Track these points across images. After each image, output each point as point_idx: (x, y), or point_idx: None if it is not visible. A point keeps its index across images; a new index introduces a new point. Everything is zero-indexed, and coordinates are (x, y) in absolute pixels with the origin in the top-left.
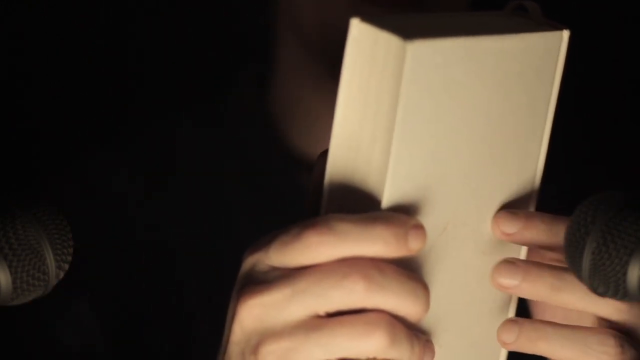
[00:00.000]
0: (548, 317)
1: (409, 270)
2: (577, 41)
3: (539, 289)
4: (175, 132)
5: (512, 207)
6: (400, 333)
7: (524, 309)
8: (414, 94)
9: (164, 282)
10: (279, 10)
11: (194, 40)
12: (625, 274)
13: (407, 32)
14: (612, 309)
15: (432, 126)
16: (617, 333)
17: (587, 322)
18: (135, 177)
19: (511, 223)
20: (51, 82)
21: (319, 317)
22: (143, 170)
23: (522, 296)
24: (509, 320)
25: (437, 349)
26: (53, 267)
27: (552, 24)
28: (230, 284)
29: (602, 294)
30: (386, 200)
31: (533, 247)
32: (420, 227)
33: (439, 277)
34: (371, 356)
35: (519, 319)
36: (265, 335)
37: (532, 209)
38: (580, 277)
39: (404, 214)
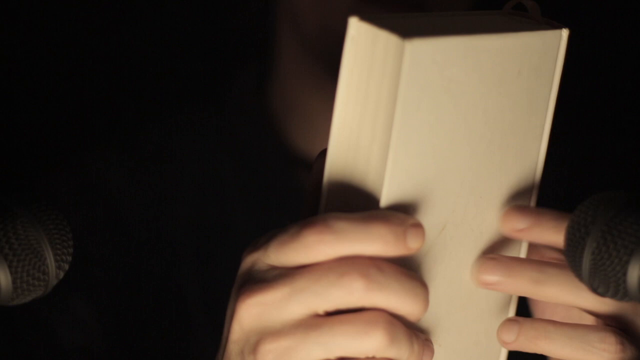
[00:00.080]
0: (548, 316)
1: (408, 269)
2: (576, 40)
3: (521, 283)
4: (175, 132)
5: None
6: (399, 332)
7: (524, 308)
8: (412, 93)
9: (163, 281)
10: (279, 10)
11: (194, 40)
12: (625, 274)
13: (406, 30)
14: (596, 301)
15: (430, 125)
16: (618, 330)
17: (588, 321)
18: (134, 177)
19: (522, 219)
20: (50, 82)
21: (318, 316)
22: (142, 170)
23: (506, 292)
24: (509, 320)
25: (436, 348)
26: (53, 267)
27: (551, 23)
28: (230, 283)
29: (603, 294)
30: (385, 199)
31: (534, 245)
32: (419, 226)
33: (438, 276)
34: (370, 355)
35: (519, 318)
36: (265, 334)
37: None
38: (580, 277)
39: (403, 213)
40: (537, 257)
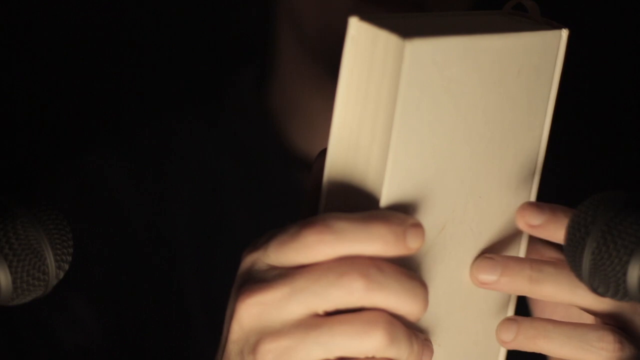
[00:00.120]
0: (548, 315)
1: (408, 269)
2: (576, 40)
3: (518, 282)
4: (175, 132)
5: (511, 206)
6: (399, 332)
7: (524, 308)
8: (412, 93)
9: (163, 281)
10: (279, 10)
11: (194, 40)
12: (625, 274)
13: (406, 30)
14: (594, 300)
15: (430, 125)
16: (616, 329)
17: (587, 320)
18: (134, 177)
19: (538, 215)
20: (50, 82)
21: (318, 316)
22: (142, 169)
23: (504, 291)
24: (508, 319)
25: (436, 348)
26: (53, 267)
27: (551, 23)
28: (229, 282)
29: (602, 294)
30: (385, 199)
31: (534, 245)
32: (418, 226)
33: (438, 276)
34: (370, 355)
35: (518, 317)
36: (264, 334)
37: None
38: (580, 277)
39: (403, 213)
40: (536, 257)
